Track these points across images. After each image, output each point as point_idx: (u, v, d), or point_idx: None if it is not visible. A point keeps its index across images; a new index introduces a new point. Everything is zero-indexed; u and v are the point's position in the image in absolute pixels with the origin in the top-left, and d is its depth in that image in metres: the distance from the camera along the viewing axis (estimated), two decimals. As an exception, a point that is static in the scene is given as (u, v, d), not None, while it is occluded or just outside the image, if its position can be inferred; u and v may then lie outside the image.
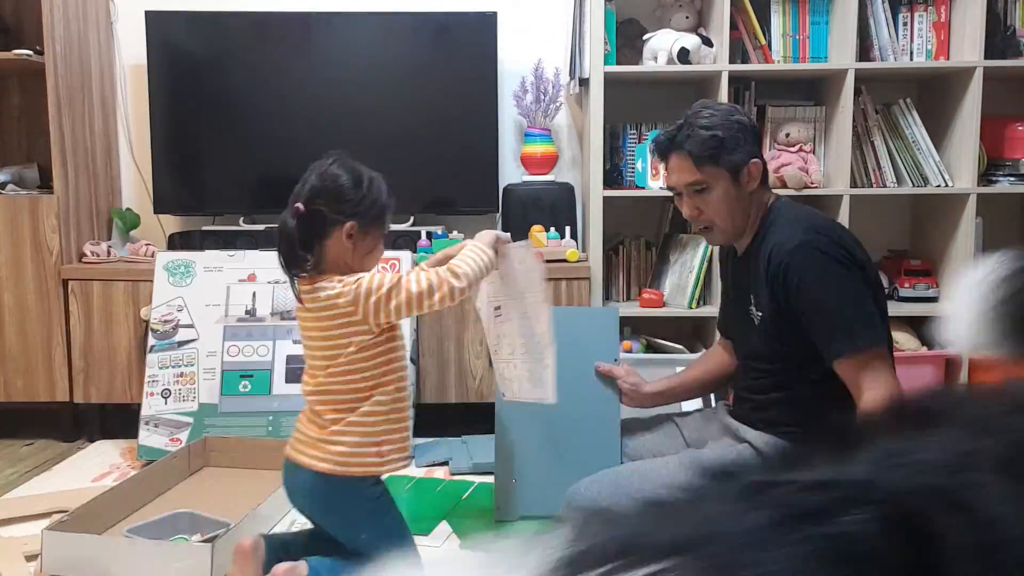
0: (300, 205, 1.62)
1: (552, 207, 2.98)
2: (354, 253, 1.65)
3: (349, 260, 1.65)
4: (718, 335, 2.16)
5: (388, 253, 2.75)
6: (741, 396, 1.95)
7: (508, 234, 1.85)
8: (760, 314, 1.81)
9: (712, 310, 2.71)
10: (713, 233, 1.86)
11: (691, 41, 2.81)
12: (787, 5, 2.91)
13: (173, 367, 2.63)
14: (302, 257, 1.61)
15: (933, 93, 3.00)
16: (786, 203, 1.86)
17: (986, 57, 2.78)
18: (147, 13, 2.99)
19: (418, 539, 1.79)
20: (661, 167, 2.07)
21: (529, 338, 1.81)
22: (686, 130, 1.79)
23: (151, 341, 2.67)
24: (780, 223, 1.79)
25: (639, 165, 2.89)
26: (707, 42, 2.85)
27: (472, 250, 1.69)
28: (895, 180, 2.89)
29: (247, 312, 2.67)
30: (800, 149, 2.89)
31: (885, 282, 2.91)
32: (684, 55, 2.80)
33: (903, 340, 2.75)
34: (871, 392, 1.64)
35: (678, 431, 2.10)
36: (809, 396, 1.78)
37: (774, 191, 1.91)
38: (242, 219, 3.03)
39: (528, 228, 2.91)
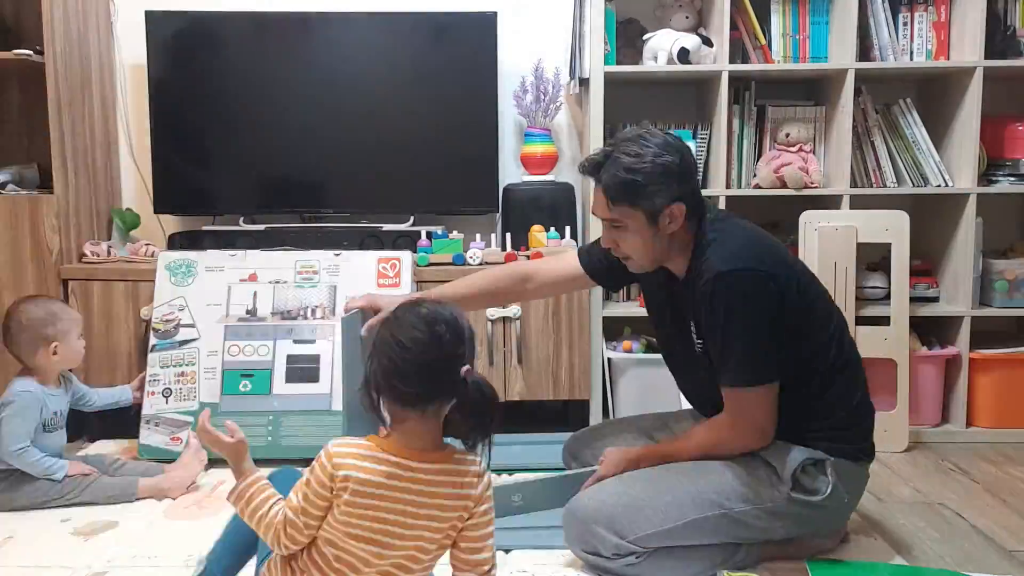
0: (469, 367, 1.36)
1: (552, 207, 2.98)
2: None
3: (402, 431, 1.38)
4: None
5: (387, 253, 2.76)
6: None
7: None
8: (700, 341, 1.84)
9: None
10: (631, 264, 1.88)
11: (691, 41, 2.81)
12: (787, 5, 2.91)
13: (174, 366, 2.64)
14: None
15: (933, 93, 3.00)
16: (721, 221, 1.83)
17: (986, 57, 2.78)
18: (147, 13, 2.99)
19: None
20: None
21: None
22: (609, 164, 1.76)
23: (152, 340, 2.67)
24: (716, 246, 1.77)
25: (639, 165, 2.89)
26: (707, 42, 2.85)
27: None
28: (895, 180, 2.89)
29: (248, 312, 2.67)
30: (800, 149, 2.89)
31: (884, 282, 2.92)
32: (684, 55, 2.80)
33: (903, 340, 2.75)
34: (736, 432, 1.79)
35: (672, 435, 2.10)
36: (802, 399, 1.81)
37: (711, 206, 1.89)
38: (242, 219, 3.03)
39: (528, 228, 2.92)
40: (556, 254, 2.25)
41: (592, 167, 1.79)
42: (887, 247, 2.78)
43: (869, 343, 2.67)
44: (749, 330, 1.72)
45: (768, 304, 1.72)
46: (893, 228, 2.75)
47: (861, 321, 2.76)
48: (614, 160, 1.75)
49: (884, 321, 2.74)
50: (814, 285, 1.88)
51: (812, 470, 1.79)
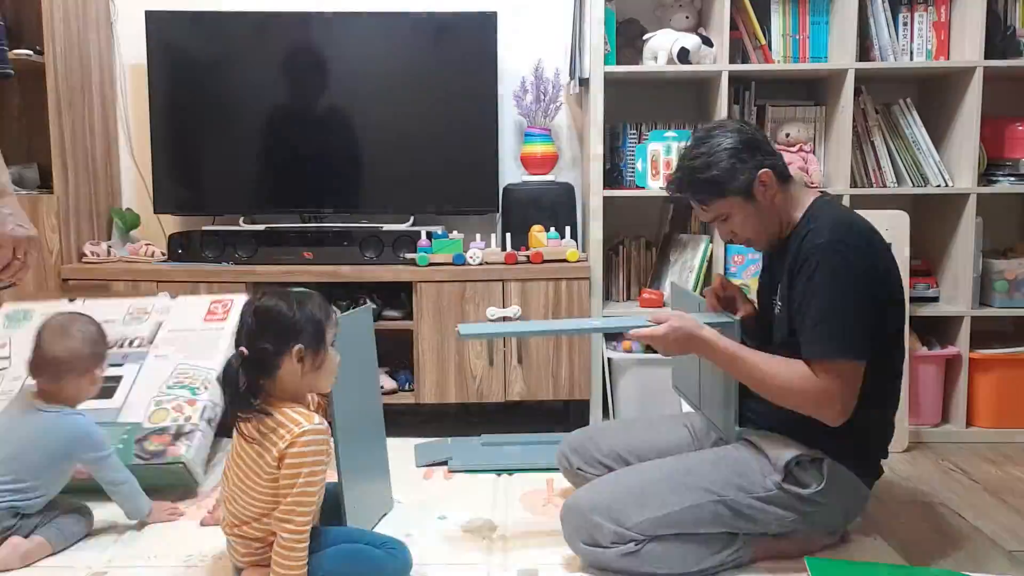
0: (243, 349, 1.70)
1: (552, 207, 2.98)
2: (304, 375, 1.72)
3: (298, 383, 1.73)
4: None
5: (221, 296, 2.68)
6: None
7: None
8: (780, 304, 1.85)
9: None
10: (755, 245, 1.93)
11: (691, 41, 2.81)
12: (787, 5, 2.91)
13: None
14: (247, 399, 1.68)
15: (933, 93, 3.00)
16: (828, 202, 1.87)
17: (986, 57, 2.78)
18: (147, 13, 2.99)
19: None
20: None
21: None
22: (684, 178, 1.85)
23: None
24: (819, 221, 1.79)
25: (639, 165, 2.89)
26: (707, 42, 2.85)
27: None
28: (895, 180, 2.89)
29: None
30: (800, 149, 2.89)
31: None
32: (684, 55, 2.80)
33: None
34: (819, 401, 1.71)
35: (687, 433, 2.10)
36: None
37: (818, 189, 1.91)
38: (242, 219, 3.03)
39: (528, 228, 2.92)
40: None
41: (676, 188, 1.88)
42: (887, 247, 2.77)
43: None
44: (845, 302, 1.70)
45: (867, 281, 1.72)
46: (893, 228, 2.75)
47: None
48: (686, 170, 1.85)
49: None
50: (899, 286, 1.86)
51: (808, 465, 1.80)
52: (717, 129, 1.86)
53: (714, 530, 1.80)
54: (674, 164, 2.84)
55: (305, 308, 1.73)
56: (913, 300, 2.80)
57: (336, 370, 1.79)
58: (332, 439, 1.78)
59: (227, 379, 1.70)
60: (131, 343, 2.54)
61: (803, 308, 1.74)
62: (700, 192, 1.84)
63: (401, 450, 2.67)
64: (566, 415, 2.93)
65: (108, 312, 2.58)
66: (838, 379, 1.71)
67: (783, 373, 1.76)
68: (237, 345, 1.71)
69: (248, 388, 1.68)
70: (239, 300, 2.62)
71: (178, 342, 2.53)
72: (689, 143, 1.88)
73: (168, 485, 2.24)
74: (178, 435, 2.25)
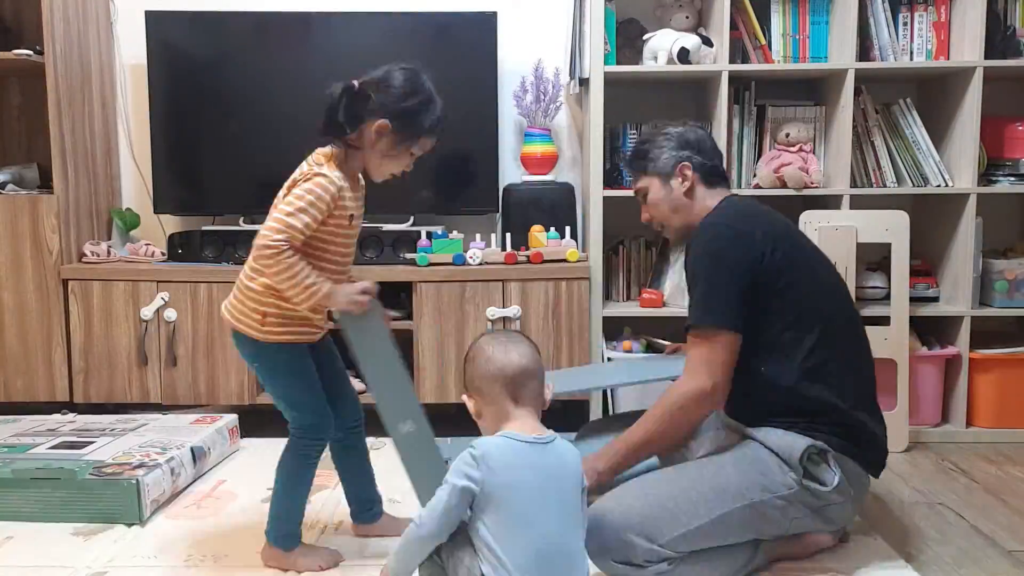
0: (356, 82, 1.79)
1: (552, 207, 2.98)
2: (374, 151, 1.79)
3: (368, 155, 1.80)
4: None
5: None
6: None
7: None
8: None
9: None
10: (665, 232, 2.08)
11: (691, 41, 2.81)
12: (787, 5, 2.91)
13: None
14: (337, 127, 1.76)
15: (933, 93, 3.00)
16: (728, 199, 1.99)
17: (986, 57, 2.78)
18: (147, 13, 2.99)
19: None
20: None
21: None
22: (629, 153, 2.14)
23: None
24: (713, 212, 1.95)
25: (639, 165, 2.89)
26: (707, 42, 2.85)
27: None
28: (895, 180, 2.89)
29: None
30: (800, 149, 2.89)
31: (884, 282, 2.92)
32: (684, 55, 2.80)
33: (903, 340, 2.75)
34: (686, 376, 1.83)
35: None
36: (770, 378, 1.83)
37: (735, 194, 2.02)
38: (242, 219, 3.03)
39: (528, 228, 2.92)
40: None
41: (625, 162, 2.17)
42: (887, 247, 2.78)
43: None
44: (713, 274, 1.83)
45: (737, 256, 1.81)
46: (893, 228, 2.75)
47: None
48: (632, 148, 2.13)
49: (884, 321, 2.74)
50: (806, 256, 1.91)
51: (818, 459, 1.79)
52: (671, 124, 2.07)
53: (741, 538, 1.78)
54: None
55: (430, 107, 1.80)
56: (913, 300, 2.80)
57: (397, 171, 1.84)
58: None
59: (330, 104, 1.77)
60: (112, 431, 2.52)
61: (687, 288, 1.93)
62: (632, 163, 2.09)
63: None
64: (565, 415, 2.93)
65: (99, 422, 2.61)
66: (706, 343, 1.81)
67: (661, 407, 1.85)
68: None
69: (344, 116, 1.75)
70: (228, 419, 2.65)
71: (160, 431, 2.51)
72: (651, 127, 2.14)
73: (109, 511, 2.12)
74: (139, 466, 2.19)
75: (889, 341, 2.72)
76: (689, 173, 1.98)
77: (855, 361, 1.90)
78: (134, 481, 2.11)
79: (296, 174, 1.79)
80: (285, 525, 1.88)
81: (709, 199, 1.98)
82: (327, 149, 1.81)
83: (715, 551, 1.76)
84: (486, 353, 1.56)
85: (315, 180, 1.73)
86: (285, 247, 1.70)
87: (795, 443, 1.79)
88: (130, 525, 2.10)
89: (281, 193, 1.79)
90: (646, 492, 1.79)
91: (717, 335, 1.80)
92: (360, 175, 1.88)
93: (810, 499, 1.78)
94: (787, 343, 1.82)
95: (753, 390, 1.84)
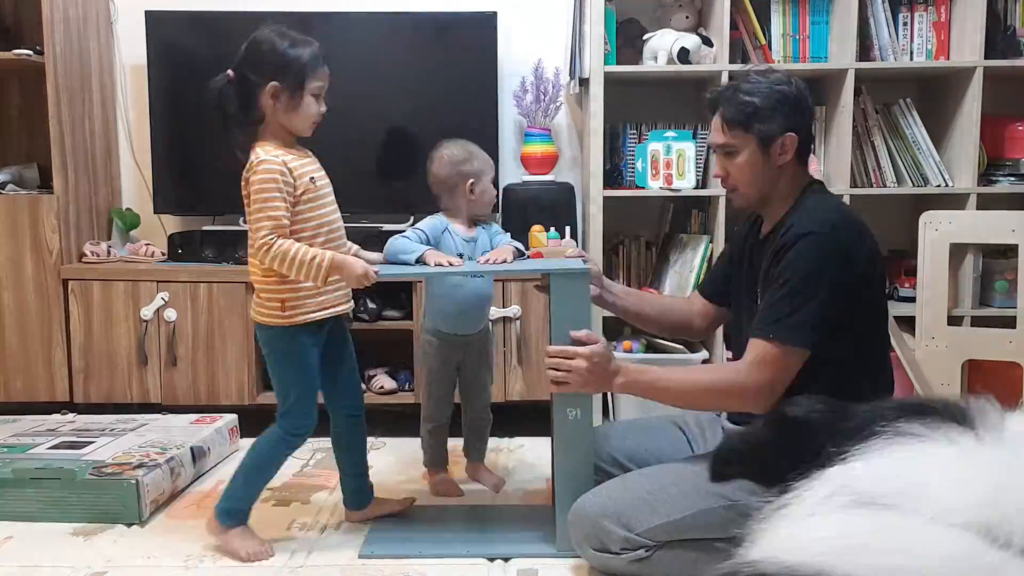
0: (231, 72, 1.84)
1: (552, 207, 2.98)
2: (281, 114, 1.84)
3: (280, 119, 1.85)
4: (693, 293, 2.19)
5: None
6: None
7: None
8: (759, 291, 1.83)
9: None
10: (736, 196, 1.88)
11: (691, 41, 2.81)
12: (787, 5, 2.91)
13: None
14: (233, 125, 1.85)
15: (933, 93, 3.00)
16: (820, 192, 1.85)
17: (986, 57, 2.78)
18: (147, 13, 2.99)
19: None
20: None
21: None
22: (728, 91, 1.82)
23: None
24: (805, 210, 1.78)
25: (639, 165, 2.89)
26: (707, 42, 2.85)
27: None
28: (895, 180, 2.89)
29: None
30: (800, 149, 2.88)
31: (885, 282, 2.91)
32: (684, 55, 2.80)
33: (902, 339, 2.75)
34: (752, 369, 1.71)
35: (683, 435, 2.09)
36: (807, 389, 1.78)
37: (818, 179, 1.89)
38: (242, 219, 3.02)
39: (528, 228, 2.91)
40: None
41: (711, 98, 1.85)
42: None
43: (993, 345, 2.56)
44: (816, 292, 1.68)
45: (844, 277, 1.69)
46: (1020, 229, 2.56)
47: (977, 322, 2.75)
48: (732, 89, 1.82)
49: (1010, 323, 2.59)
50: (881, 283, 1.87)
51: None
52: (782, 75, 1.84)
53: (723, 536, 1.78)
54: (675, 164, 2.89)
55: (296, 49, 1.83)
56: (913, 300, 2.80)
57: (315, 117, 1.87)
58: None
59: (218, 100, 1.84)
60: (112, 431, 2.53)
61: (769, 291, 1.74)
62: (731, 111, 1.79)
63: (402, 450, 2.67)
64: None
65: (99, 422, 2.62)
66: (781, 354, 1.69)
67: (713, 374, 1.82)
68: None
69: (240, 109, 1.83)
70: (228, 419, 2.67)
71: (160, 431, 2.52)
72: (747, 69, 1.88)
73: (108, 511, 2.12)
74: (138, 466, 2.20)
75: (1014, 344, 2.55)
76: (790, 145, 1.79)
77: (887, 368, 1.89)
78: (134, 481, 2.12)
79: (245, 172, 1.87)
80: (235, 503, 1.94)
81: (798, 178, 1.83)
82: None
83: (697, 542, 1.76)
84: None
85: (257, 170, 1.82)
86: (273, 238, 1.80)
87: None
88: (130, 525, 2.10)
89: (243, 192, 1.89)
90: (627, 486, 1.81)
91: (795, 351, 1.70)
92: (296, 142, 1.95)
93: None
94: (847, 355, 1.77)
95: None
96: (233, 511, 1.95)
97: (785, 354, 1.70)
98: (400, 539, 2.01)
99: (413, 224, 2.95)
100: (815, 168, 2.86)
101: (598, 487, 1.86)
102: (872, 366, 1.83)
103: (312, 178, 1.89)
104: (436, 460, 2.32)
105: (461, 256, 2.16)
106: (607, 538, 1.74)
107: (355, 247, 2.06)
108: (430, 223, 2.20)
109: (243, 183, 1.87)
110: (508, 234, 2.32)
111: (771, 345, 1.70)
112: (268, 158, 1.82)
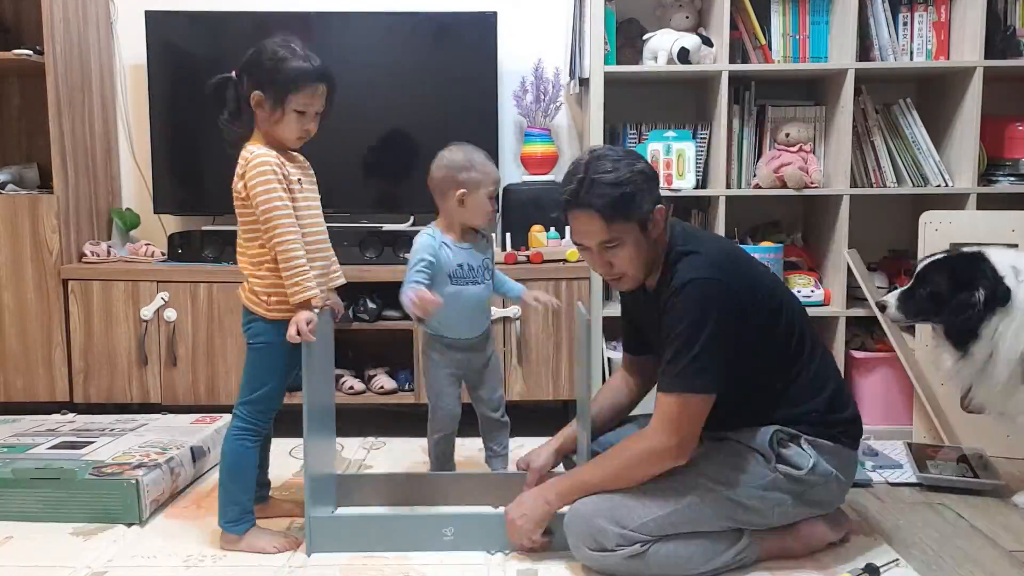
0: (235, 71, 1.88)
1: (552, 207, 2.97)
2: (265, 121, 1.87)
3: (266, 127, 1.88)
4: (622, 360, 2.20)
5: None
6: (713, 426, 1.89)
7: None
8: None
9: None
10: (624, 281, 1.87)
11: (691, 41, 2.81)
12: (787, 5, 2.91)
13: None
14: (226, 122, 1.89)
15: (933, 93, 3.00)
16: (682, 231, 1.86)
17: (986, 57, 2.78)
18: (147, 13, 2.99)
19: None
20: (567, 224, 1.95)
21: None
22: (590, 186, 1.74)
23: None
24: (688, 257, 1.79)
25: (639, 165, 2.89)
26: (707, 42, 2.85)
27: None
28: (895, 180, 2.89)
29: None
30: (800, 149, 2.89)
31: (884, 282, 2.92)
32: (684, 55, 2.80)
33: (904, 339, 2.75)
34: (657, 431, 1.76)
35: None
36: (767, 397, 1.84)
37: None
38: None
39: (528, 228, 2.92)
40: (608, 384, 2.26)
41: (573, 196, 1.77)
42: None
43: None
44: (704, 338, 1.71)
45: (727, 314, 1.73)
46: (1020, 229, 2.60)
47: None
48: (593, 182, 1.74)
49: None
50: (777, 290, 1.91)
51: (791, 444, 1.82)
52: (626, 153, 1.82)
53: (718, 526, 1.80)
54: (675, 164, 2.89)
55: (288, 63, 1.83)
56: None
57: (297, 132, 1.88)
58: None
59: (208, 94, 1.89)
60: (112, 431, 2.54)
61: (668, 346, 1.76)
62: (609, 208, 1.73)
63: (401, 450, 2.67)
64: (566, 415, 2.93)
65: (98, 422, 2.62)
66: (683, 404, 1.74)
67: (623, 455, 1.81)
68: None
69: (232, 109, 1.88)
70: (228, 419, 2.66)
71: (160, 431, 2.52)
72: (594, 156, 1.79)
73: (108, 511, 2.12)
74: (138, 466, 2.19)
75: None
76: (661, 217, 1.80)
77: (832, 364, 1.95)
78: (134, 481, 2.11)
79: (237, 170, 1.90)
80: (233, 510, 1.95)
81: (663, 239, 1.84)
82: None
83: (692, 535, 1.78)
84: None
85: (254, 163, 1.85)
86: (290, 221, 1.85)
87: (762, 431, 1.82)
88: (130, 525, 2.10)
89: (235, 186, 1.92)
90: (614, 496, 1.82)
91: (699, 399, 1.74)
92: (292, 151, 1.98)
93: (788, 485, 1.80)
94: (782, 366, 1.84)
95: (745, 409, 1.84)
96: (236, 517, 1.95)
97: (691, 403, 1.74)
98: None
99: (413, 224, 2.98)
100: (814, 168, 2.87)
101: (588, 498, 1.85)
102: (803, 376, 1.86)
103: (299, 179, 1.92)
104: (443, 469, 2.31)
105: (461, 267, 2.19)
106: (602, 536, 1.76)
107: (334, 296, 2.06)
108: (427, 245, 2.16)
109: (236, 179, 1.89)
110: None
111: (675, 398, 1.74)
112: (260, 152, 1.85)
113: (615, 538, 1.75)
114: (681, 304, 1.74)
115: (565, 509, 1.86)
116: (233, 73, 1.88)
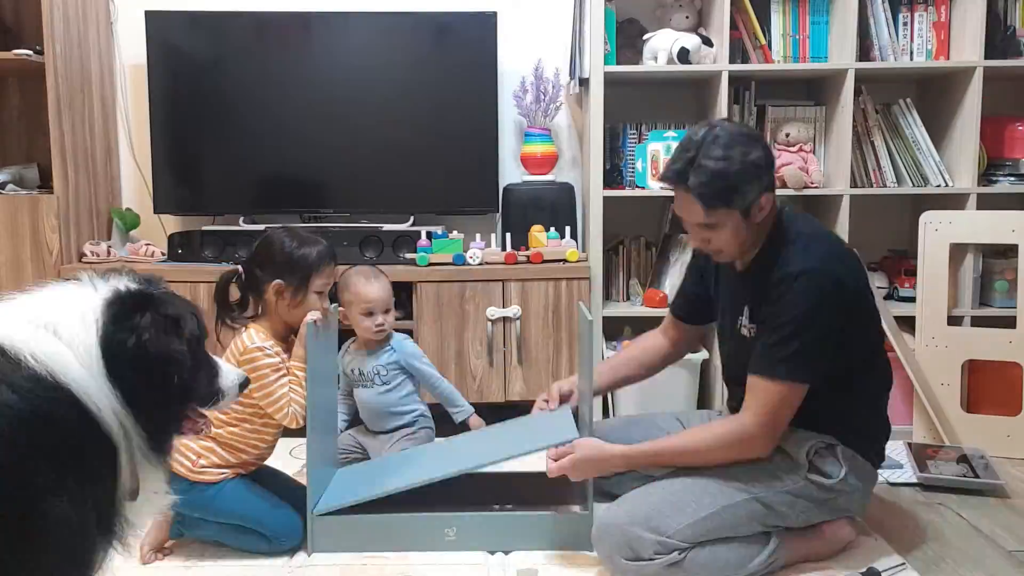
0: (240, 267, 1.98)
1: (552, 207, 2.98)
2: (283, 309, 1.94)
3: (281, 314, 1.95)
4: (667, 315, 2.20)
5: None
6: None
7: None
8: (753, 326, 1.85)
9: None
10: (721, 256, 1.87)
11: (691, 41, 2.81)
12: (787, 5, 2.91)
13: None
14: (231, 309, 1.96)
15: (933, 93, 3.00)
16: (794, 218, 1.84)
17: (986, 57, 2.78)
18: (147, 13, 2.99)
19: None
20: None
21: None
22: (696, 170, 1.71)
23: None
24: (796, 247, 1.77)
25: (639, 165, 2.89)
26: (707, 42, 2.85)
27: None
28: (895, 180, 2.89)
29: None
30: (800, 149, 2.89)
31: (885, 282, 2.93)
32: (684, 55, 2.80)
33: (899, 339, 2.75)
34: (751, 414, 1.75)
35: (682, 429, 2.09)
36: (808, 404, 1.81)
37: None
38: (242, 219, 3.03)
39: (528, 228, 2.92)
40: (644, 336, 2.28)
41: (677, 174, 1.75)
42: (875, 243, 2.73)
43: (993, 345, 2.60)
44: (816, 329, 1.71)
45: (840, 311, 1.73)
46: (1020, 229, 2.61)
47: (977, 322, 2.75)
48: (700, 167, 1.71)
49: (1011, 323, 2.61)
50: (873, 299, 1.91)
51: (825, 453, 1.81)
52: (744, 137, 1.74)
53: (748, 530, 1.78)
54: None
55: (302, 250, 1.93)
56: (913, 300, 2.80)
57: (316, 312, 1.92)
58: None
59: (218, 289, 1.95)
60: None
61: (772, 332, 1.75)
62: (709, 196, 1.72)
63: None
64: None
65: None
66: (780, 394, 1.73)
67: (708, 432, 1.81)
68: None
69: (239, 303, 1.96)
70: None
71: None
72: (709, 137, 1.73)
73: None
74: None
75: (1014, 344, 2.58)
76: (768, 204, 1.77)
77: (888, 379, 1.94)
78: (134, 481, 2.11)
79: (239, 347, 1.91)
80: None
81: (768, 218, 1.81)
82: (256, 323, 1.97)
83: (727, 540, 1.76)
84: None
85: (256, 355, 1.89)
86: (295, 408, 1.90)
87: (802, 439, 1.80)
88: (130, 525, 2.10)
89: (231, 354, 1.92)
90: (649, 492, 1.81)
91: (799, 389, 1.74)
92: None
93: (817, 492, 1.80)
94: (851, 373, 1.83)
95: (801, 411, 1.81)
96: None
97: (788, 391, 1.73)
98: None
99: (413, 224, 2.98)
100: (814, 168, 2.87)
101: (620, 499, 1.83)
102: (869, 390, 1.88)
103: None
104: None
105: (353, 371, 2.40)
106: (638, 545, 1.72)
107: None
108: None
109: (231, 354, 1.91)
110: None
111: (775, 384, 1.73)
112: (262, 344, 1.90)
113: (652, 546, 1.71)
114: (799, 290, 1.70)
115: (594, 519, 1.84)
116: (239, 268, 1.97)
